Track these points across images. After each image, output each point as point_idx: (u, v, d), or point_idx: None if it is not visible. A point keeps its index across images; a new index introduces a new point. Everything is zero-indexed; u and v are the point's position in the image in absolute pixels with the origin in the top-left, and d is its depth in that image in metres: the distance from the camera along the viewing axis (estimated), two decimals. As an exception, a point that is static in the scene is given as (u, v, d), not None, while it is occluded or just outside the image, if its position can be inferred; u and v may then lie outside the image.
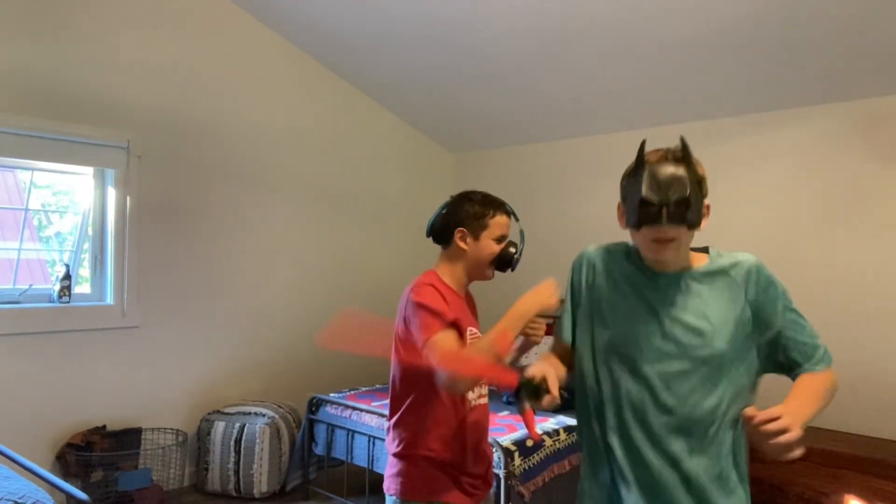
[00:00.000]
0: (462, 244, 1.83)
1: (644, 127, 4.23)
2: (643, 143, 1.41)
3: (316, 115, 4.45)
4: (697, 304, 1.38)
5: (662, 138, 4.36)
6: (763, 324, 1.39)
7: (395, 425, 1.82)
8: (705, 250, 1.47)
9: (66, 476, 3.20)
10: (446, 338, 1.64)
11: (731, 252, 1.46)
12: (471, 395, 1.78)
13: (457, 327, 1.72)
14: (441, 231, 1.90)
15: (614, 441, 1.40)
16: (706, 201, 1.39)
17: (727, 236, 3.84)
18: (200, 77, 3.85)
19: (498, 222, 1.81)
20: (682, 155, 1.36)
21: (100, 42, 3.44)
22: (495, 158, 5.15)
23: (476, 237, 1.81)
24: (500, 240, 1.82)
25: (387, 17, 3.67)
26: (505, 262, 1.83)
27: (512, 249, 1.83)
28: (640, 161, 1.38)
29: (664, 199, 1.31)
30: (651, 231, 1.33)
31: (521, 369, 1.43)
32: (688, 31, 3.16)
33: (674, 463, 1.35)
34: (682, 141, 1.39)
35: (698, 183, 1.35)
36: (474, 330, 1.83)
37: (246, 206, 4.08)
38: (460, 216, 1.84)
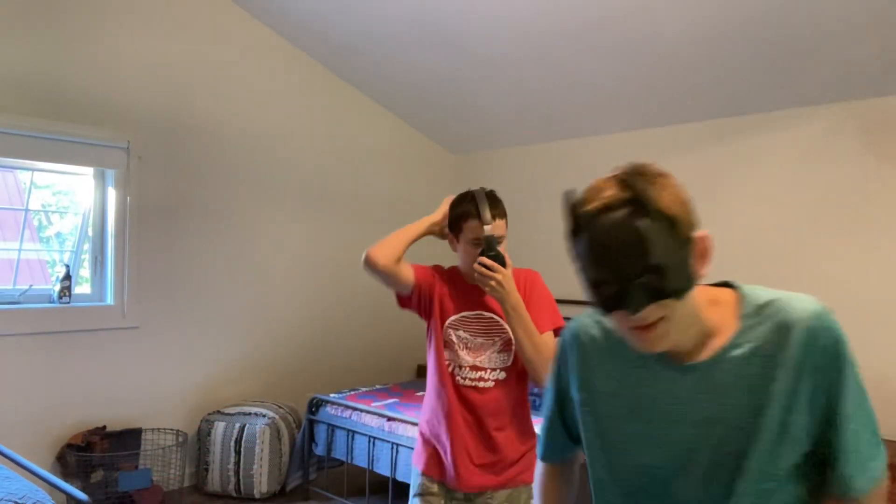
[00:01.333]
0: (453, 245, 1.88)
1: (644, 127, 4.23)
2: (566, 195, 0.93)
3: (317, 117, 4.45)
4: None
5: (663, 139, 4.38)
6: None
7: None
8: (728, 284, 1.02)
9: (66, 476, 3.20)
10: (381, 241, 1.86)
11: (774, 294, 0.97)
12: (464, 374, 1.82)
13: (424, 291, 1.88)
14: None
15: None
16: (699, 232, 0.91)
17: (725, 239, 3.84)
18: (201, 78, 3.85)
19: (470, 226, 1.78)
20: (631, 195, 0.87)
21: (100, 43, 3.45)
22: (496, 159, 5.15)
23: (458, 240, 1.84)
24: (474, 244, 1.79)
25: (387, 19, 3.68)
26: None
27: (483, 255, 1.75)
28: (574, 219, 0.91)
29: (620, 276, 0.87)
30: (622, 319, 0.91)
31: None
32: (688, 32, 3.16)
33: None
34: (629, 171, 0.89)
35: (669, 228, 0.86)
36: (483, 313, 1.85)
37: (246, 207, 4.08)
38: (450, 220, 1.87)
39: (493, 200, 1.80)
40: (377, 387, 3.86)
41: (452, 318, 1.86)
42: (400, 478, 3.02)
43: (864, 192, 3.36)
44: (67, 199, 3.66)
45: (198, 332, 3.86)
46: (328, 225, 4.54)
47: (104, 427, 3.40)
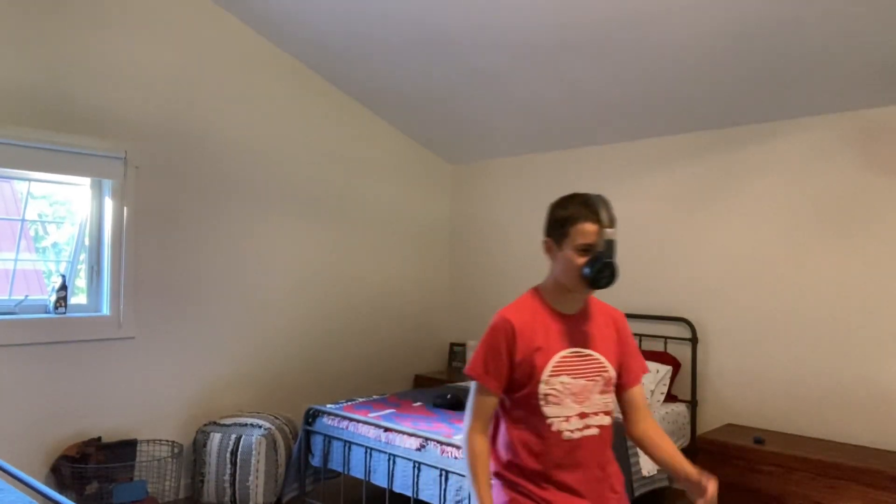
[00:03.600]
0: (550, 254, 1.67)
1: (641, 138, 4.25)
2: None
3: (314, 126, 4.46)
4: None
5: (660, 149, 4.40)
6: None
7: None
8: None
9: (60, 488, 3.18)
10: (478, 406, 1.64)
11: None
12: (572, 426, 1.62)
13: (523, 362, 1.60)
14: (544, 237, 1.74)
15: None
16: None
17: (721, 248, 3.85)
18: (198, 88, 3.86)
19: (580, 230, 1.57)
20: None
21: (97, 54, 3.46)
22: (494, 169, 5.16)
23: (560, 246, 1.62)
24: (583, 250, 1.58)
25: (385, 30, 3.70)
26: (585, 277, 1.58)
27: (593, 263, 1.56)
28: None
29: None
30: None
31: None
32: (685, 44, 3.19)
33: None
34: None
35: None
36: (584, 350, 1.65)
37: (243, 217, 4.08)
38: (548, 223, 1.67)
39: (606, 203, 1.61)
40: (374, 397, 3.84)
41: (551, 365, 1.61)
42: (397, 489, 3.00)
43: (857, 203, 3.37)
44: (64, 210, 3.66)
45: (194, 342, 3.85)
46: (325, 235, 4.54)
47: (99, 438, 3.38)
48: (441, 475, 2.80)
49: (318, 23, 3.81)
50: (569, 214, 1.60)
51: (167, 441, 3.63)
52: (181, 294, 3.79)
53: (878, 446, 3.24)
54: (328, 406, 3.55)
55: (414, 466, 2.92)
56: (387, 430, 3.12)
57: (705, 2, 2.87)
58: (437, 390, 4.11)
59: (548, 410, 1.60)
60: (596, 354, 1.65)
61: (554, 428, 1.60)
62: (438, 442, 2.88)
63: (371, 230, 4.83)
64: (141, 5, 3.61)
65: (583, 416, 1.62)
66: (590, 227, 1.57)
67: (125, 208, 3.56)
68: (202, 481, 3.57)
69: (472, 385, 1.67)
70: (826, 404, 3.41)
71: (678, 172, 4.06)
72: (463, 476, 2.72)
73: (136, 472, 3.41)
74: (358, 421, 3.27)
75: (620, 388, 1.73)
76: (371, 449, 3.13)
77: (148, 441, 3.58)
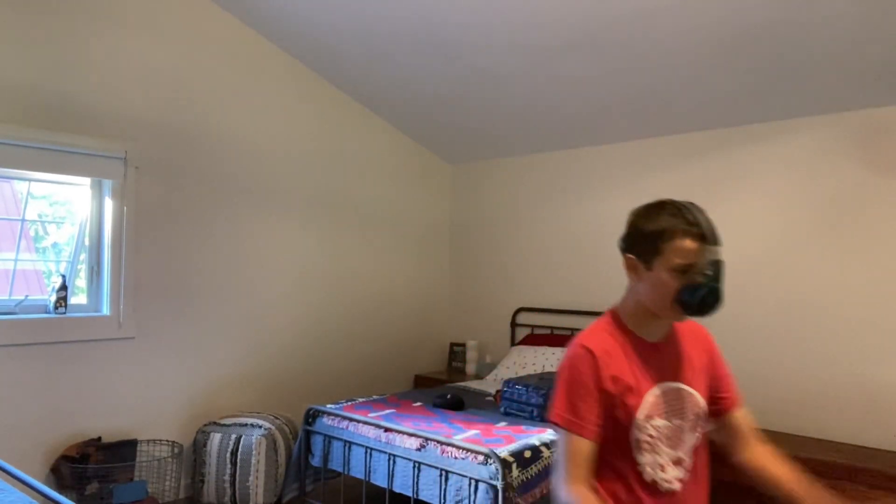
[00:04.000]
0: (634, 273, 1.42)
1: (641, 138, 4.25)
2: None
3: (313, 126, 4.47)
4: None
5: (659, 149, 4.40)
6: None
7: None
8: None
9: (60, 488, 3.18)
10: (572, 458, 1.36)
11: None
12: (668, 475, 1.42)
13: (613, 401, 1.38)
14: (623, 253, 1.46)
15: None
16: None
17: (724, 247, 3.85)
18: (198, 88, 3.86)
19: (678, 247, 1.33)
20: None
21: (97, 53, 3.46)
22: (494, 169, 5.16)
23: (648, 266, 1.38)
24: (681, 271, 1.34)
25: (385, 29, 3.70)
26: (684, 304, 1.35)
27: (695, 289, 1.33)
28: None
29: None
30: None
31: None
32: (685, 44, 3.19)
33: None
34: None
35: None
36: (676, 385, 1.44)
37: (243, 217, 4.08)
38: (631, 238, 1.42)
39: (705, 214, 1.37)
40: (374, 397, 3.84)
41: (644, 407, 1.39)
42: (397, 489, 3.01)
43: (860, 203, 3.38)
44: (64, 210, 3.66)
45: (194, 342, 3.85)
46: (325, 235, 4.54)
47: (99, 438, 3.38)
48: (441, 475, 2.80)
49: (318, 22, 3.81)
50: (662, 228, 1.34)
51: (167, 441, 3.63)
52: (181, 294, 3.79)
53: (877, 446, 3.24)
54: (328, 406, 3.55)
55: (414, 466, 2.92)
56: (387, 430, 3.12)
57: (705, 2, 2.87)
58: (437, 390, 4.12)
59: (640, 458, 1.39)
60: (688, 389, 1.44)
61: (648, 478, 1.39)
62: (438, 442, 2.88)
63: (371, 230, 4.83)
64: (141, 5, 3.61)
65: (678, 462, 1.42)
66: (690, 245, 1.32)
67: (125, 208, 3.56)
68: (202, 481, 3.57)
69: (560, 437, 1.39)
70: (826, 404, 3.41)
71: (678, 173, 4.06)
72: (463, 476, 2.72)
73: (137, 472, 3.41)
74: (358, 421, 3.27)
75: (716, 415, 1.52)
76: (371, 449, 3.13)
77: (148, 441, 3.59)
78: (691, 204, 1.37)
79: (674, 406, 1.42)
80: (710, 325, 3.87)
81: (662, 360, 1.44)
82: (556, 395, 1.41)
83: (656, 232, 1.35)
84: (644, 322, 1.44)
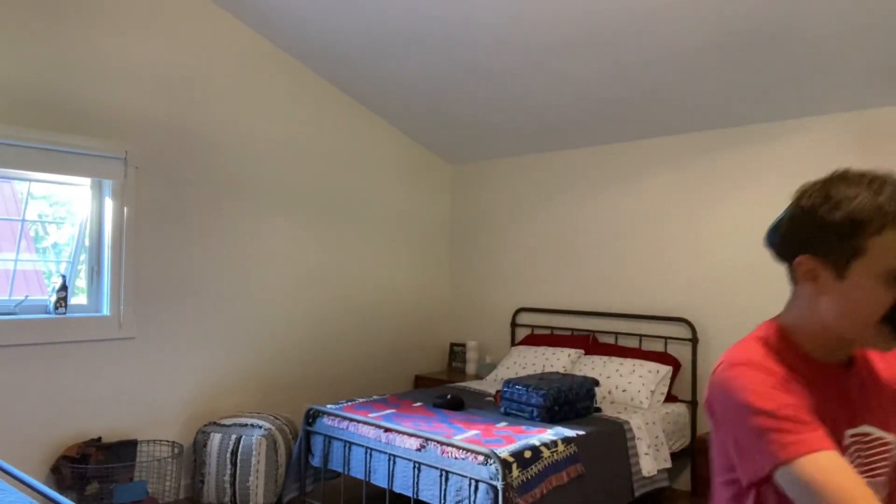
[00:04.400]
0: (812, 283, 1.01)
1: (641, 138, 4.25)
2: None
3: (314, 126, 4.47)
4: None
5: (659, 149, 4.39)
6: None
7: None
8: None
9: (60, 489, 3.18)
10: (829, 466, 0.86)
11: None
12: None
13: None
14: (782, 254, 1.06)
15: None
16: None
17: (721, 248, 3.85)
18: (198, 88, 3.86)
19: (892, 243, 0.92)
20: None
21: (97, 53, 3.46)
22: (494, 169, 5.16)
23: (840, 272, 0.96)
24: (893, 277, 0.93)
25: (385, 29, 3.70)
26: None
27: None
28: None
29: None
30: None
31: None
32: (684, 43, 3.19)
33: None
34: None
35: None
36: (869, 431, 1.03)
37: (244, 217, 4.09)
38: (806, 231, 1.00)
39: None
40: (374, 397, 3.84)
41: (846, 443, 1.02)
42: (397, 489, 3.01)
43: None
44: (64, 210, 3.66)
45: (194, 342, 3.85)
46: (325, 235, 4.54)
47: (99, 438, 3.38)
48: (441, 475, 2.80)
49: (318, 22, 3.81)
50: (864, 215, 0.93)
51: (167, 441, 3.63)
52: (181, 294, 3.79)
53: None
54: (328, 406, 3.55)
55: (414, 467, 2.92)
56: (387, 430, 3.12)
57: (706, 2, 2.87)
58: (438, 390, 4.12)
59: None
60: (879, 433, 1.04)
61: None
62: (438, 442, 2.88)
63: (371, 230, 4.83)
64: (141, 5, 3.61)
65: None
66: None
67: (125, 208, 3.56)
68: (202, 482, 3.57)
69: (804, 474, 0.87)
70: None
71: (678, 172, 4.06)
72: (463, 476, 2.72)
73: (137, 472, 3.41)
74: (358, 421, 3.27)
75: None
76: (371, 449, 3.13)
77: (148, 441, 3.59)
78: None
79: (868, 458, 1.03)
80: (712, 322, 3.89)
81: (850, 391, 1.04)
82: (765, 430, 0.91)
83: (856, 221, 0.93)
84: (824, 343, 1.03)
